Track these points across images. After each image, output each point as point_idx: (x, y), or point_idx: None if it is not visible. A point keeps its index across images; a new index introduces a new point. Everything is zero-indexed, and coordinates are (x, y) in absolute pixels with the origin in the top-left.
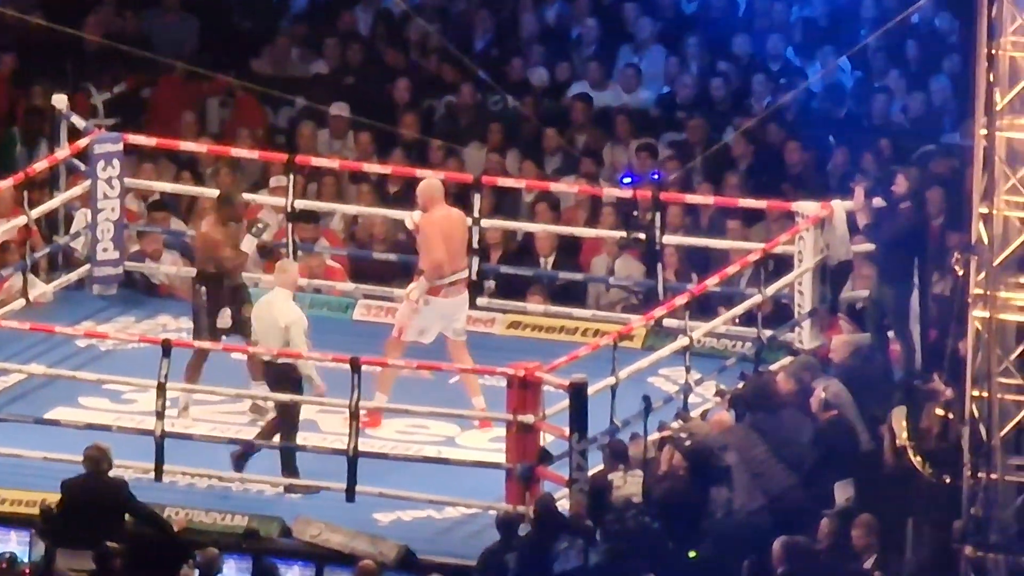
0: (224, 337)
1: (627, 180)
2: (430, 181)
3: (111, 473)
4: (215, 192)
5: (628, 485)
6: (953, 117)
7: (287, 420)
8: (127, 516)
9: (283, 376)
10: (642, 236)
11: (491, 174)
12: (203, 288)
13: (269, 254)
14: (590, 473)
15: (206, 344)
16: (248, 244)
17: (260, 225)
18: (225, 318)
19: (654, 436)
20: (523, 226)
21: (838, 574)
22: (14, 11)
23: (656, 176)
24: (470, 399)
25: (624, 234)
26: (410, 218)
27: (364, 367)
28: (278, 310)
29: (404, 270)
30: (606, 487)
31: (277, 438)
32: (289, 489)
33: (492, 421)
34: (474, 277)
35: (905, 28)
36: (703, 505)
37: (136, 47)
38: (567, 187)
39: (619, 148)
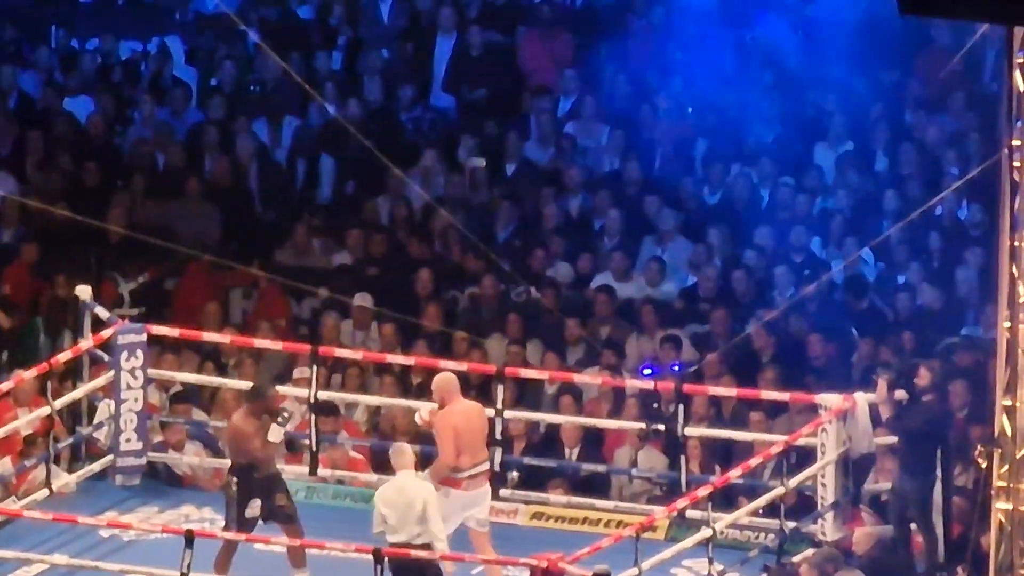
0: (255, 526)
1: (647, 372)
2: (445, 375)
3: None
4: (237, 383)
5: None
6: (976, 309)
7: None
8: None
9: (420, 570)
10: (662, 428)
11: (513, 365)
12: (234, 479)
13: (292, 446)
14: None
15: (230, 535)
16: (275, 434)
17: (285, 415)
18: (254, 508)
19: None
20: (546, 417)
21: None
22: (37, 202)
23: (677, 367)
24: None
25: (643, 426)
26: (419, 415)
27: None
28: (413, 491)
29: (426, 461)
30: None
31: None
32: None
33: None
34: (497, 468)
35: (928, 220)
36: None
37: (159, 237)
38: (590, 379)
39: (643, 339)
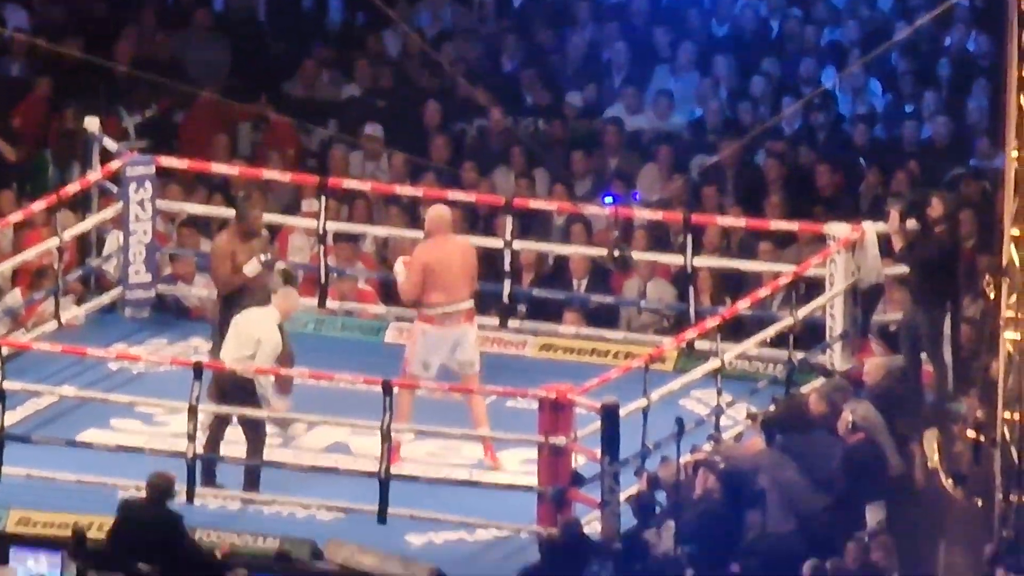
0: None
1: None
2: (437, 208)
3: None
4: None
5: (664, 540)
6: (984, 139)
7: (259, 435)
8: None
9: (242, 389)
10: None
11: (521, 197)
12: (219, 306)
13: (291, 280)
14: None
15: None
16: (251, 267)
17: (267, 256)
18: None
19: (687, 459)
20: (554, 248)
21: None
22: (47, 34)
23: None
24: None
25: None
26: (400, 261)
27: (396, 389)
28: (263, 328)
29: None
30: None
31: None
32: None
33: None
34: (506, 300)
35: (937, 50)
36: (737, 528)
37: (167, 71)
38: (598, 209)
39: (652, 170)
